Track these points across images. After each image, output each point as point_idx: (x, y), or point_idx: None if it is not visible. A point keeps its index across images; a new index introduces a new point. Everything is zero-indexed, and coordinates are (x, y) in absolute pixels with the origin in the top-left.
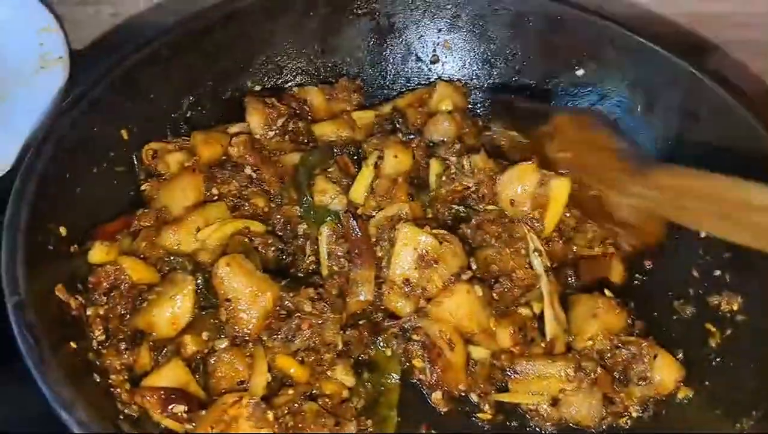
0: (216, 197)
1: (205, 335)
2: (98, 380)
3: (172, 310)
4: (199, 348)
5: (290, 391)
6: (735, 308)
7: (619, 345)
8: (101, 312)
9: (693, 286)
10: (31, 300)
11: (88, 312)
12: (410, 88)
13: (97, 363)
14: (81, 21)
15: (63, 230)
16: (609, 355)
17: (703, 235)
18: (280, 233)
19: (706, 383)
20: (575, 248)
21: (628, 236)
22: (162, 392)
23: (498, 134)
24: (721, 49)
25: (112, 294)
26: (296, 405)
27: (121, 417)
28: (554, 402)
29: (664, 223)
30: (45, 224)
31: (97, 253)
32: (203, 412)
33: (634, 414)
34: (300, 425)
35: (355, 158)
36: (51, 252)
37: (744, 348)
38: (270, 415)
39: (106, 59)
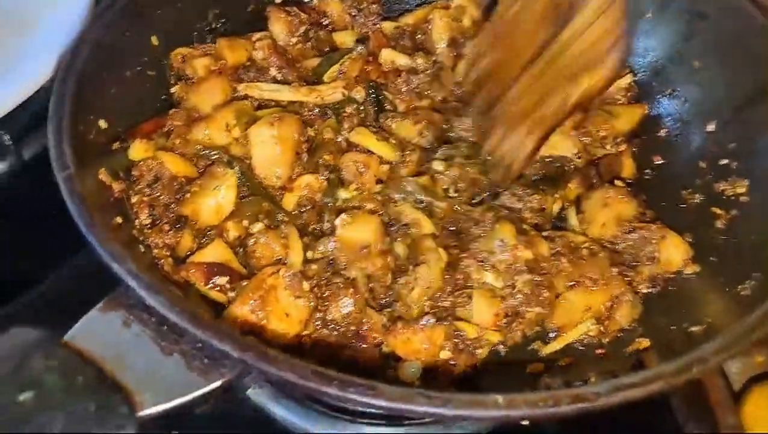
0: (243, 98)
1: (245, 222)
2: (143, 251)
3: (216, 200)
4: (239, 233)
5: (314, 266)
6: (740, 191)
7: (630, 229)
8: (146, 200)
9: (700, 176)
10: (79, 176)
11: (133, 200)
12: (427, 2)
13: (141, 238)
14: None
15: (103, 123)
16: (620, 240)
17: (710, 129)
18: None
19: (712, 259)
20: (590, 149)
21: None
22: (206, 266)
23: None
24: None
25: (156, 185)
26: (324, 277)
27: (167, 282)
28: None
29: None
30: (86, 115)
31: (137, 150)
32: (244, 283)
33: (644, 291)
34: (327, 295)
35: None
36: (92, 141)
37: (747, 224)
38: (306, 285)
39: None
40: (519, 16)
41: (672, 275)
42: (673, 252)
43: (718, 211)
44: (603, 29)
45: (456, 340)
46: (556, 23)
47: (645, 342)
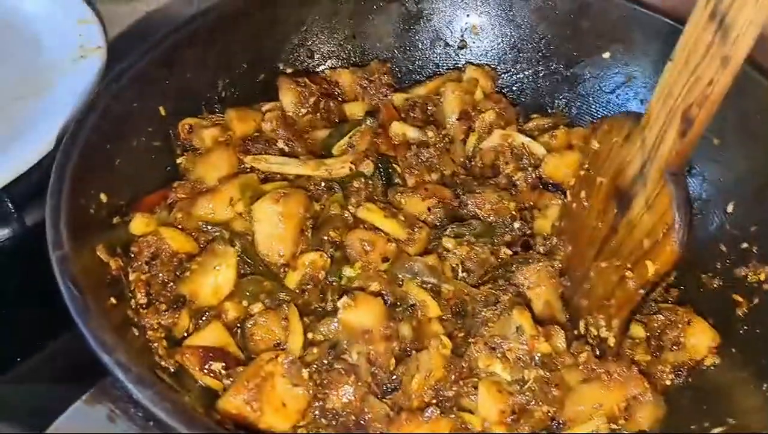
0: (249, 170)
1: (244, 302)
2: (136, 334)
3: (215, 280)
4: (239, 314)
5: (315, 350)
6: (762, 278)
7: (656, 310)
8: (143, 278)
9: (720, 260)
10: (74, 255)
11: (131, 277)
12: (439, 73)
13: (136, 319)
14: (117, 18)
15: (104, 197)
16: (645, 321)
17: (730, 210)
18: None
19: (733, 350)
20: None
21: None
22: (201, 350)
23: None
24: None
25: (154, 262)
26: (325, 362)
27: (158, 369)
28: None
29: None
30: (87, 189)
31: (138, 224)
32: (240, 369)
33: (668, 382)
34: (327, 382)
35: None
36: (92, 216)
37: None
38: (305, 373)
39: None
40: (586, 206)
41: (694, 365)
42: (699, 339)
43: (739, 298)
44: (657, 217)
45: None
46: (617, 211)
47: None
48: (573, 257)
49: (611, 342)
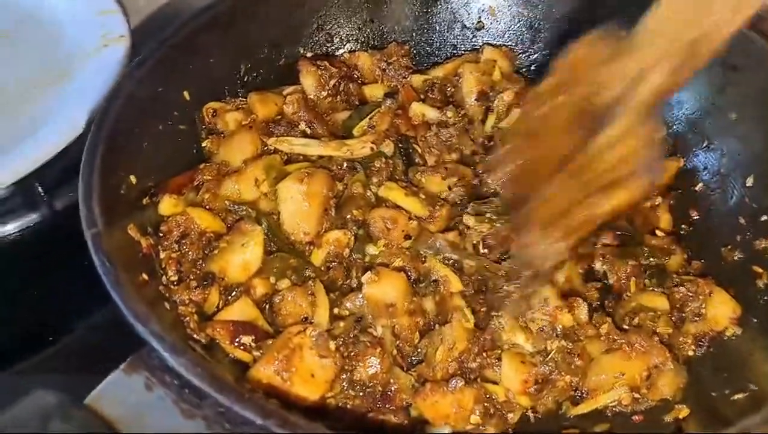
0: (272, 152)
1: (272, 278)
2: (168, 308)
3: (244, 257)
4: (266, 291)
5: (341, 324)
6: None
7: (677, 283)
8: (174, 256)
9: (740, 232)
10: (107, 233)
11: (161, 255)
12: (457, 55)
13: (167, 295)
14: (137, 8)
15: (133, 179)
16: (668, 293)
17: (749, 183)
18: None
19: (754, 320)
20: None
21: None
22: (231, 324)
23: None
24: None
25: (184, 241)
26: (352, 335)
27: (191, 341)
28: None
29: None
30: (117, 170)
31: (167, 205)
32: (270, 342)
33: (690, 353)
34: (354, 354)
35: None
36: (123, 196)
37: None
38: (332, 345)
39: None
40: (547, 117)
41: (715, 336)
42: (721, 309)
43: (759, 270)
44: (632, 149)
45: (486, 404)
46: (584, 131)
47: (685, 410)
48: (532, 161)
49: (548, 267)
